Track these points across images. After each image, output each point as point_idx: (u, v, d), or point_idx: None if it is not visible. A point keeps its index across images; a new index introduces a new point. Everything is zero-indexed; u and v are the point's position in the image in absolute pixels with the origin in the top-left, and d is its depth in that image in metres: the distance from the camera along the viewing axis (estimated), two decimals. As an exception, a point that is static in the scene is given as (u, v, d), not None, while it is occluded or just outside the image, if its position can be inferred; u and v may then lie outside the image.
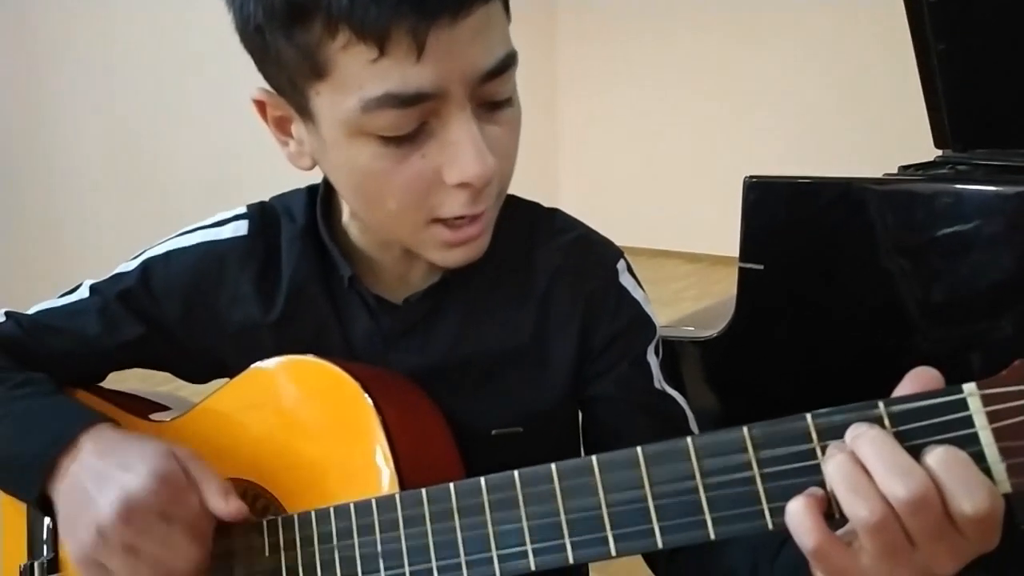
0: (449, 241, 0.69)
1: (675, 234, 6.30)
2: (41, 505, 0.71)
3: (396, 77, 0.59)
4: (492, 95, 0.64)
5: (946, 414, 0.48)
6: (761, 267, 1.41)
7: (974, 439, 0.47)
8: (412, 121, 0.62)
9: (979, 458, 0.47)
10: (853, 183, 1.38)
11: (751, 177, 1.42)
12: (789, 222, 1.44)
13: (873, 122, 5.17)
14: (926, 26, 1.85)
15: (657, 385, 0.81)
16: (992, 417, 0.47)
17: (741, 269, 1.43)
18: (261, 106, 0.70)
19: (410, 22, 0.57)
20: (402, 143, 0.63)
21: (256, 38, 0.63)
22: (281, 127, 0.71)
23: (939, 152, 1.98)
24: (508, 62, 0.64)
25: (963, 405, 0.47)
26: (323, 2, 0.57)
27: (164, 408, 0.90)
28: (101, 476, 0.66)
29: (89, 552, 0.64)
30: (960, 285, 1.32)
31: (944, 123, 1.94)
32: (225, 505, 0.67)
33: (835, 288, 1.41)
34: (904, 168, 1.83)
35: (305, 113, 0.66)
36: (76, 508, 0.67)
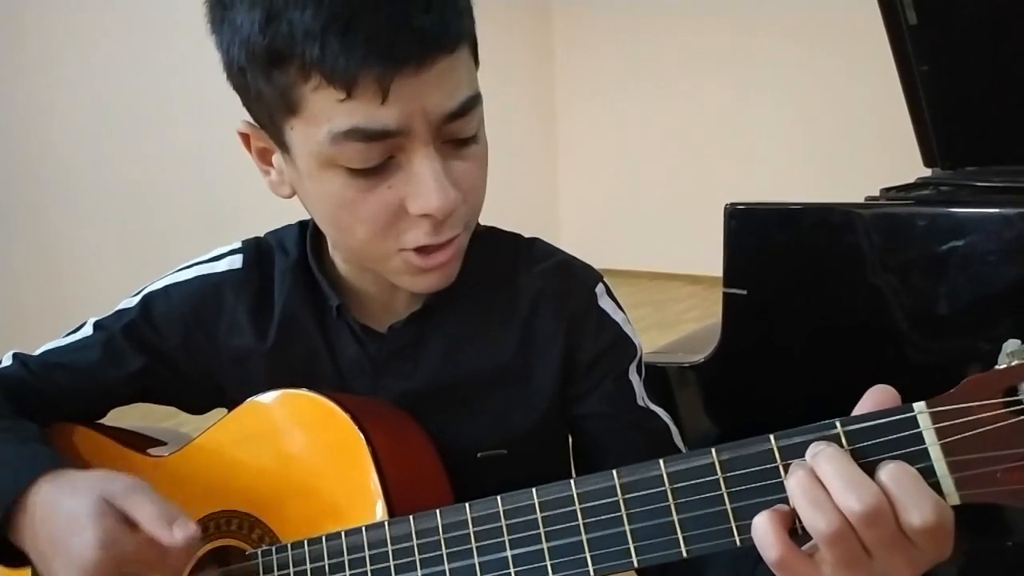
0: (419, 266, 0.73)
1: (676, 256, 6.32)
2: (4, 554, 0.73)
3: (362, 115, 0.63)
4: (456, 133, 0.68)
5: (898, 432, 0.51)
6: (744, 292, 1.44)
7: (924, 455, 0.50)
8: (378, 155, 0.66)
9: (929, 473, 0.50)
10: (832, 208, 1.41)
11: (732, 204, 1.44)
12: (770, 248, 1.46)
13: (867, 142, 5.22)
14: (908, 48, 1.89)
15: (640, 402, 0.84)
16: (941, 433, 0.49)
17: (725, 294, 1.45)
18: (245, 138, 0.75)
19: (377, 71, 0.61)
20: (369, 175, 0.67)
21: (240, 77, 0.68)
22: (263, 157, 0.76)
23: (928, 171, 2.02)
24: (471, 104, 0.68)
25: (913, 423, 0.50)
26: (298, 50, 0.62)
27: (162, 443, 0.93)
28: (55, 546, 0.67)
29: None
30: (942, 305, 1.34)
31: (931, 143, 1.98)
32: (171, 536, 0.65)
33: (818, 311, 1.43)
34: (886, 190, 1.86)
35: (282, 145, 0.71)
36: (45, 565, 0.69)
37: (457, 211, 0.70)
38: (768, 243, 1.46)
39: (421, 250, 0.72)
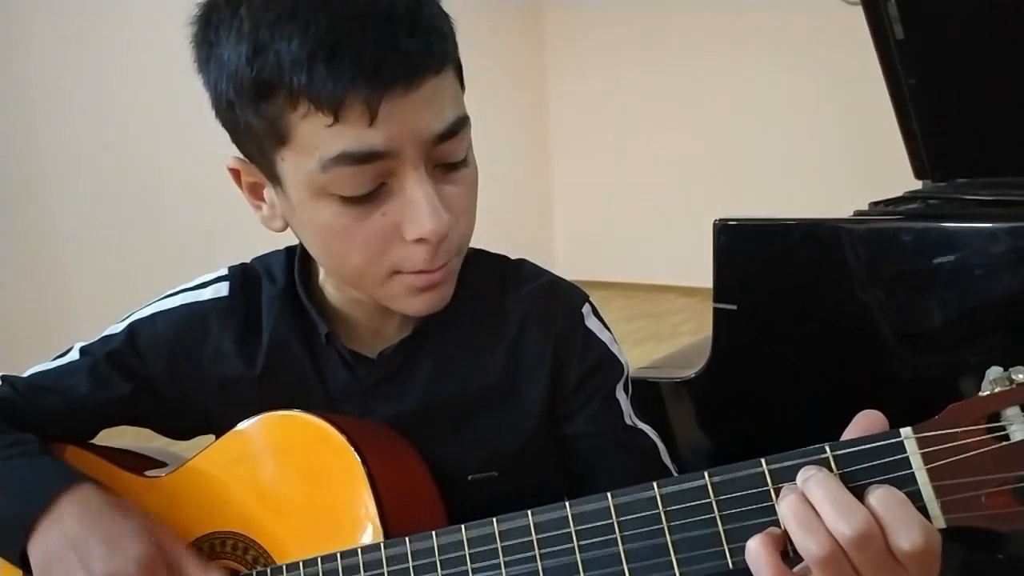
0: (414, 285, 0.73)
1: (671, 268, 6.33)
2: (24, 563, 0.74)
3: (350, 138, 0.64)
4: (445, 157, 0.69)
5: (886, 456, 0.52)
6: (734, 307, 1.45)
7: (911, 479, 0.51)
8: (369, 180, 0.67)
9: (916, 497, 0.51)
10: (820, 223, 1.42)
11: (721, 219, 1.46)
12: (759, 263, 1.47)
13: (859, 155, 5.24)
14: (896, 63, 1.91)
15: (628, 420, 0.85)
16: (927, 458, 0.51)
17: (715, 309, 1.47)
18: (236, 173, 0.76)
19: (364, 93, 0.62)
20: (362, 202, 0.68)
21: (228, 112, 0.69)
22: (254, 192, 0.76)
23: (919, 184, 2.03)
24: (459, 126, 0.69)
25: (900, 448, 0.51)
26: (285, 79, 0.63)
27: (159, 464, 0.93)
28: (84, 549, 0.70)
29: None
30: (930, 319, 1.35)
31: (922, 155, 2.00)
32: None
33: (807, 326, 1.44)
34: (874, 204, 1.88)
35: (274, 178, 0.71)
36: (57, 573, 0.70)
37: (450, 235, 0.70)
38: (757, 258, 1.47)
39: (416, 273, 0.72)
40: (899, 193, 1.91)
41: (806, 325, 1.44)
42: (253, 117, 0.67)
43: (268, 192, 0.75)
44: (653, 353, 1.85)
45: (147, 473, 0.89)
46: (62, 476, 0.76)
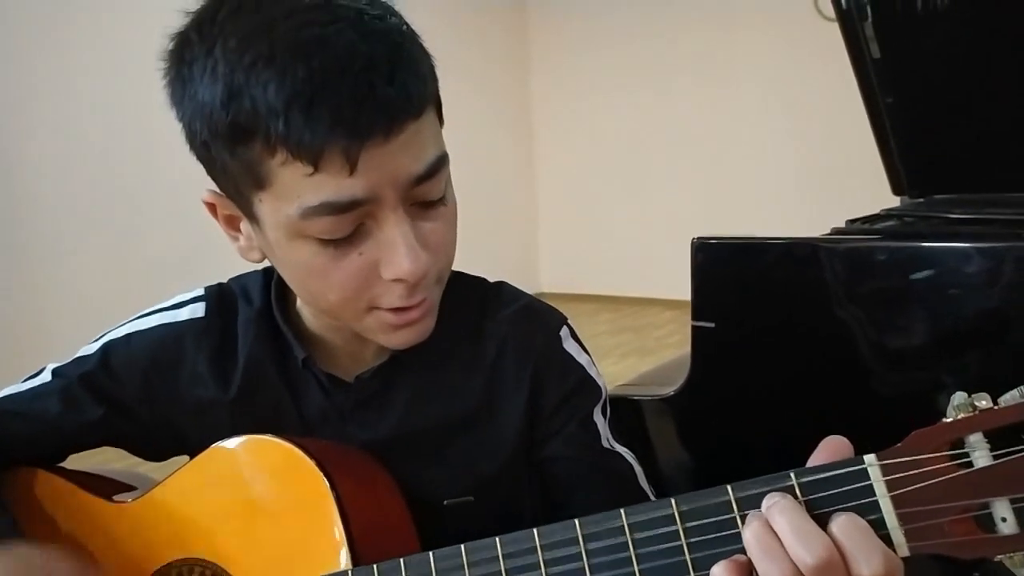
0: (393, 323, 0.73)
1: (656, 282, 6.34)
2: None
3: (331, 188, 0.63)
4: (424, 196, 0.68)
5: (850, 483, 0.52)
6: (712, 325, 1.45)
7: (875, 507, 0.51)
8: (348, 225, 0.66)
9: (879, 525, 0.51)
10: (797, 243, 1.43)
11: (699, 238, 1.47)
12: (736, 281, 1.48)
13: (839, 170, 5.28)
14: (872, 81, 1.93)
15: (605, 444, 0.85)
16: (891, 486, 0.51)
17: (693, 327, 1.47)
18: (212, 207, 0.75)
19: (343, 143, 0.61)
20: (340, 243, 0.67)
21: (203, 150, 0.68)
22: (231, 224, 0.75)
23: (896, 200, 2.05)
24: (438, 166, 0.68)
25: (864, 475, 0.51)
26: (262, 125, 0.61)
27: (128, 487, 0.91)
28: None
29: None
30: (905, 338, 1.36)
31: (899, 171, 2.02)
32: None
33: (785, 344, 1.45)
34: (851, 221, 1.89)
35: (251, 216, 0.70)
36: None
37: (428, 272, 0.70)
38: (735, 277, 1.48)
39: (395, 310, 0.72)
40: (877, 209, 1.92)
41: (784, 343, 1.45)
42: (229, 159, 0.66)
43: (244, 226, 0.74)
44: (638, 366, 1.86)
45: (115, 498, 0.87)
46: None
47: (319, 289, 0.71)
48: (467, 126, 6.08)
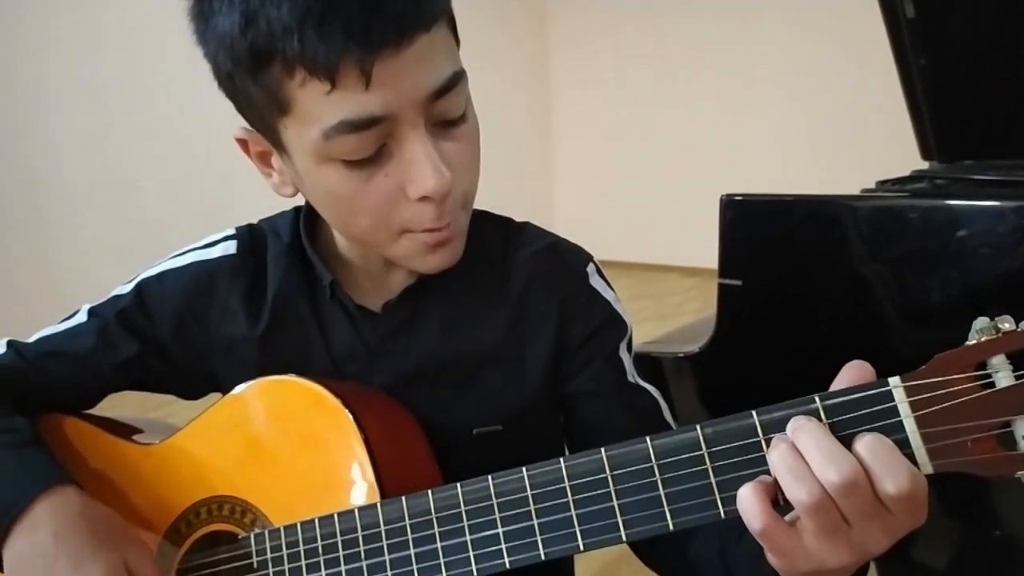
0: (425, 243, 0.74)
1: (674, 249, 6.33)
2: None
3: (349, 105, 0.64)
4: (444, 113, 0.69)
5: (874, 405, 0.52)
6: (739, 283, 1.45)
7: (899, 427, 0.52)
8: (370, 144, 0.67)
9: (904, 444, 0.51)
10: (826, 200, 1.42)
11: (727, 195, 1.46)
12: (765, 239, 1.47)
13: (866, 135, 5.23)
14: (905, 42, 1.90)
15: (631, 379, 0.86)
16: (915, 406, 0.51)
17: (720, 285, 1.47)
18: (244, 143, 0.76)
19: (356, 56, 0.62)
20: (365, 165, 0.68)
21: (229, 82, 0.69)
22: (263, 160, 0.77)
23: (925, 165, 2.03)
24: (454, 81, 0.69)
25: (888, 397, 0.52)
26: (279, 46, 0.63)
27: (140, 431, 0.93)
28: (52, 564, 0.71)
29: None
30: (933, 296, 1.35)
31: (928, 136, 1.99)
32: None
33: (811, 300, 1.45)
34: (881, 183, 1.87)
35: (279, 146, 0.72)
36: None
37: (454, 191, 0.71)
38: (763, 234, 1.48)
39: (428, 231, 0.73)
40: (905, 173, 1.91)
41: (810, 301, 1.44)
42: (252, 87, 0.67)
43: (276, 160, 0.75)
44: (655, 333, 1.86)
45: (140, 440, 0.89)
46: (41, 477, 0.76)
47: (350, 215, 0.72)
48: (484, 89, 6.01)
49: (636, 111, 6.60)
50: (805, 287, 1.46)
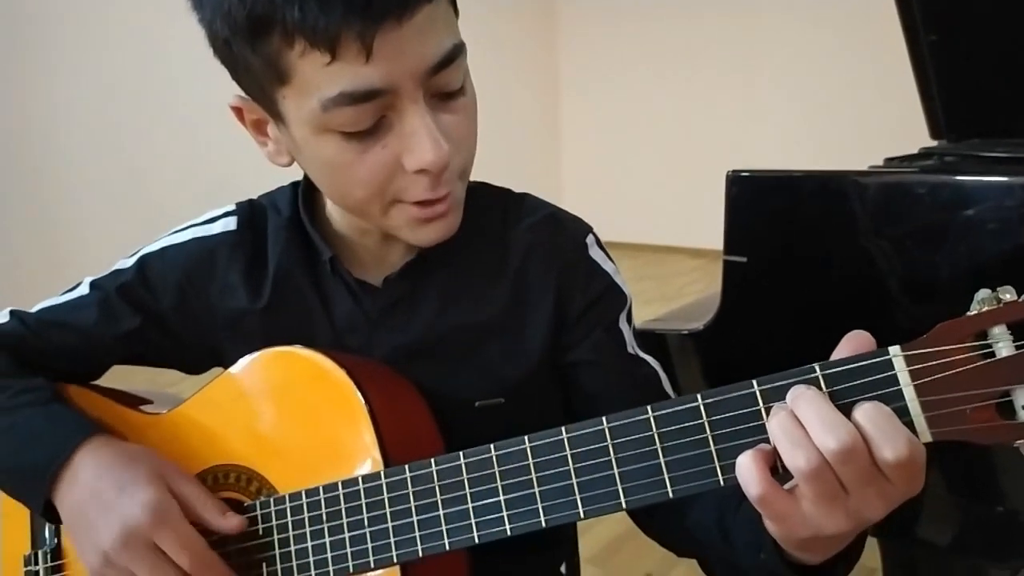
0: (419, 217, 0.74)
1: (679, 229, 6.32)
2: (47, 513, 0.78)
3: (348, 77, 0.64)
4: (443, 86, 0.69)
5: (874, 374, 0.53)
6: (744, 259, 1.45)
7: (899, 395, 0.52)
8: (369, 116, 0.67)
9: (903, 412, 0.52)
10: (833, 176, 1.41)
11: (733, 171, 1.45)
12: (771, 215, 1.47)
13: (874, 114, 5.20)
14: (916, 18, 1.88)
15: (630, 350, 0.86)
16: (915, 375, 0.52)
17: (725, 262, 1.46)
18: (239, 112, 0.76)
19: (357, 28, 0.62)
20: (363, 137, 0.68)
21: (225, 50, 0.69)
22: (259, 129, 0.77)
23: (934, 143, 2.02)
24: (455, 54, 0.68)
25: (888, 366, 0.52)
26: (279, 15, 0.62)
27: (149, 402, 0.94)
28: (100, 501, 0.73)
29: (98, 570, 0.72)
30: (941, 273, 1.35)
31: (938, 114, 1.97)
32: (226, 522, 0.74)
33: (817, 279, 1.44)
34: (890, 160, 1.86)
35: (276, 115, 0.72)
36: (82, 529, 0.74)
37: (451, 163, 0.71)
38: (769, 210, 1.47)
39: (421, 203, 0.73)
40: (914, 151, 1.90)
41: (817, 278, 1.44)
42: (251, 55, 0.66)
43: (272, 128, 0.75)
44: (659, 313, 1.86)
45: (148, 410, 0.90)
46: (77, 428, 0.79)
47: (346, 185, 0.72)
48: (492, 73, 6.03)
49: (641, 96, 6.58)
50: (811, 264, 1.45)
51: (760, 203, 1.47)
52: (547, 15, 7.00)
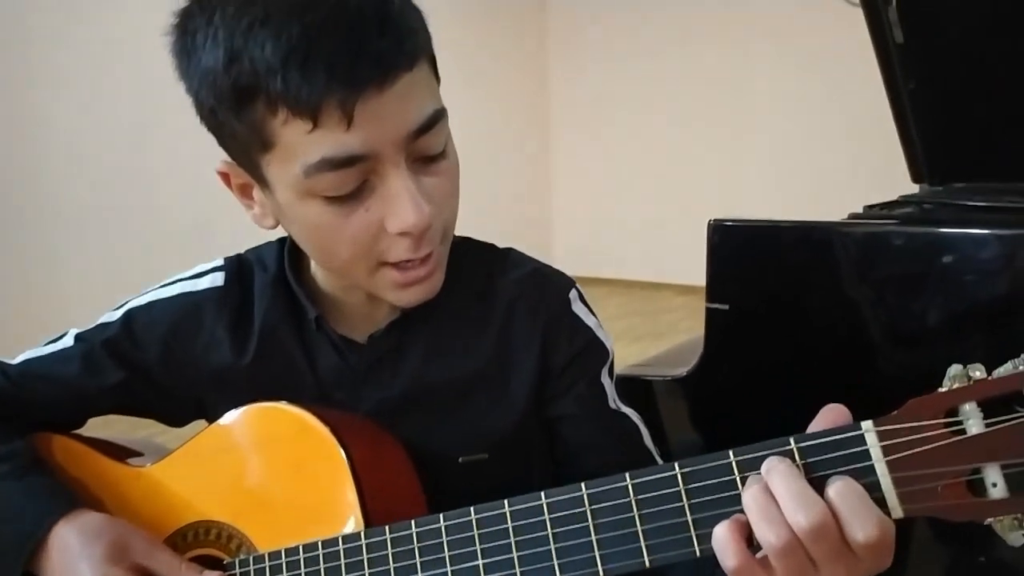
0: (400, 282, 0.75)
1: (668, 266, 6.32)
2: None
3: (330, 144, 0.65)
4: (424, 150, 0.71)
5: (847, 448, 0.53)
6: (727, 307, 1.46)
7: (871, 471, 0.53)
8: (351, 181, 0.68)
9: (874, 487, 0.52)
10: (813, 226, 1.43)
11: (715, 220, 1.47)
12: (751, 264, 1.48)
13: (857, 158, 5.24)
14: (895, 67, 1.91)
15: (612, 404, 0.87)
16: (887, 451, 0.52)
17: (708, 309, 1.48)
18: (225, 176, 0.78)
19: (338, 96, 0.63)
20: (346, 201, 0.70)
21: (212, 118, 0.70)
22: (244, 193, 0.78)
23: (916, 187, 2.04)
24: (435, 119, 0.70)
25: (861, 440, 0.53)
26: (262, 85, 0.64)
27: (139, 454, 0.94)
28: None
29: None
30: (918, 322, 1.36)
31: (919, 160, 2.00)
32: None
33: (799, 327, 1.45)
34: (869, 207, 1.88)
35: (261, 180, 0.73)
36: None
37: (433, 225, 0.72)
38: (751, 259, 1.48)
39: (402, 265, 0.74)
40: (895, 196, 1.92)
41: (798, 327, 1.45)
42: (236, 123, 0.68)
43: (257, 192, 0.76)
44: (649, 350, 1.86)
45: (131, 463, 0.90)
46: (50, 506, 0.79)
47: (329, 247, 0.74)
48: (482, 108, 6.08)
49: (632, 129, 6.61)
50: (792, 313, 1.46)
51: (742, 252, 1.48)
52: (538, 50, 7.05)
